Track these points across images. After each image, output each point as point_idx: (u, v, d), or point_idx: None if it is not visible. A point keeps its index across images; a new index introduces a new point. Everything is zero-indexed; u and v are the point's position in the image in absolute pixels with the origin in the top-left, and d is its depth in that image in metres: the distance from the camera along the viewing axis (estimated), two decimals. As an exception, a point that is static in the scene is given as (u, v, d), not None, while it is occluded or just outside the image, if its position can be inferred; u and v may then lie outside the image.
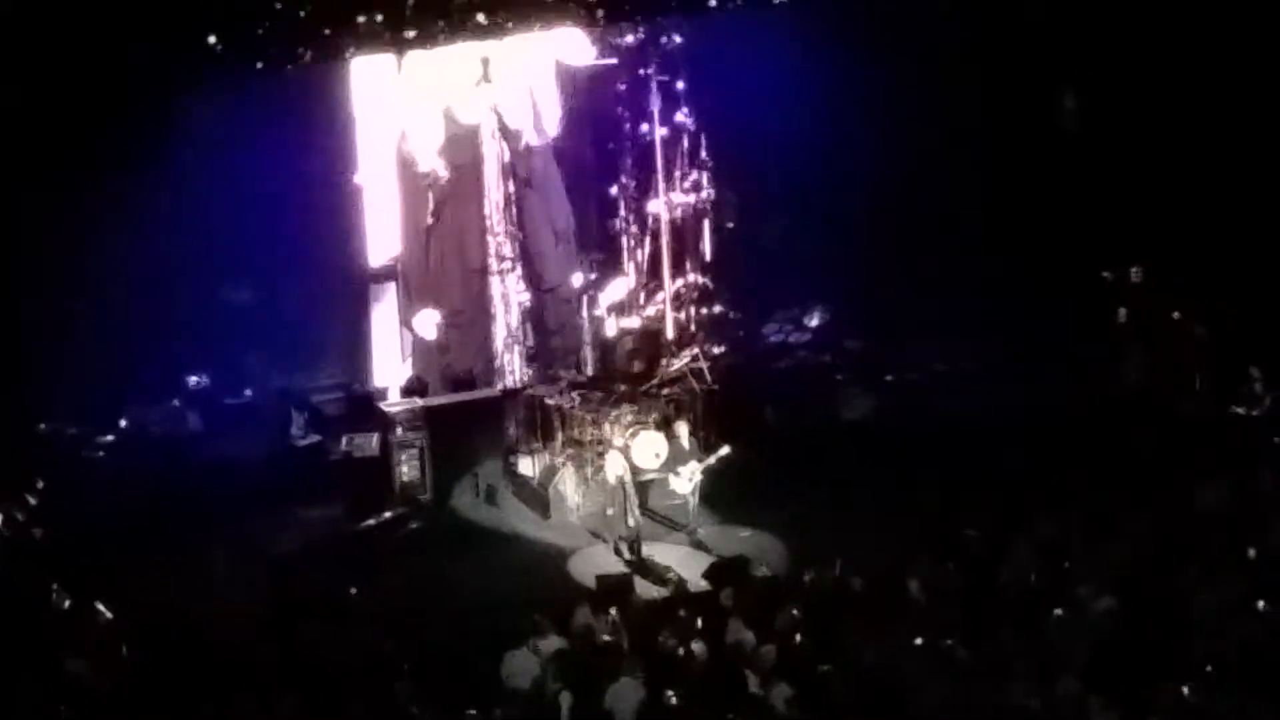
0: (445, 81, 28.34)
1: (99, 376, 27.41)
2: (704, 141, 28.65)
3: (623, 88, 28.61)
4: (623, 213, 28.84)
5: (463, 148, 28.95)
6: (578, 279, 29.28)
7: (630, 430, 25.86)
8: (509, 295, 29.14)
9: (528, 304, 29.37)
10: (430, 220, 29.16)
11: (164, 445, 28.00)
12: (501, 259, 28.96)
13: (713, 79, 28.64)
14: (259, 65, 25.66)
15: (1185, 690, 16.32)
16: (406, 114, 28.79)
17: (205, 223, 27.31)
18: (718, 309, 29.49)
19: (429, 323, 29.54)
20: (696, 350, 27.84)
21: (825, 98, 28.98)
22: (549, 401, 27.19)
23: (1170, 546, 20.09)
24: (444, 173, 28.92)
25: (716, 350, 28.52)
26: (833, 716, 17.06)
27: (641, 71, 28.37)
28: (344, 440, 27.81)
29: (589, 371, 28.25)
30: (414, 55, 27.47)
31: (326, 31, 25.83)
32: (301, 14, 25.43)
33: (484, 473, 27.49)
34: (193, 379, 28.88)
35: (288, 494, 26.47)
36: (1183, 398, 26.82)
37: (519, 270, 29.17)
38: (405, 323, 29.65)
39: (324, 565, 24.10)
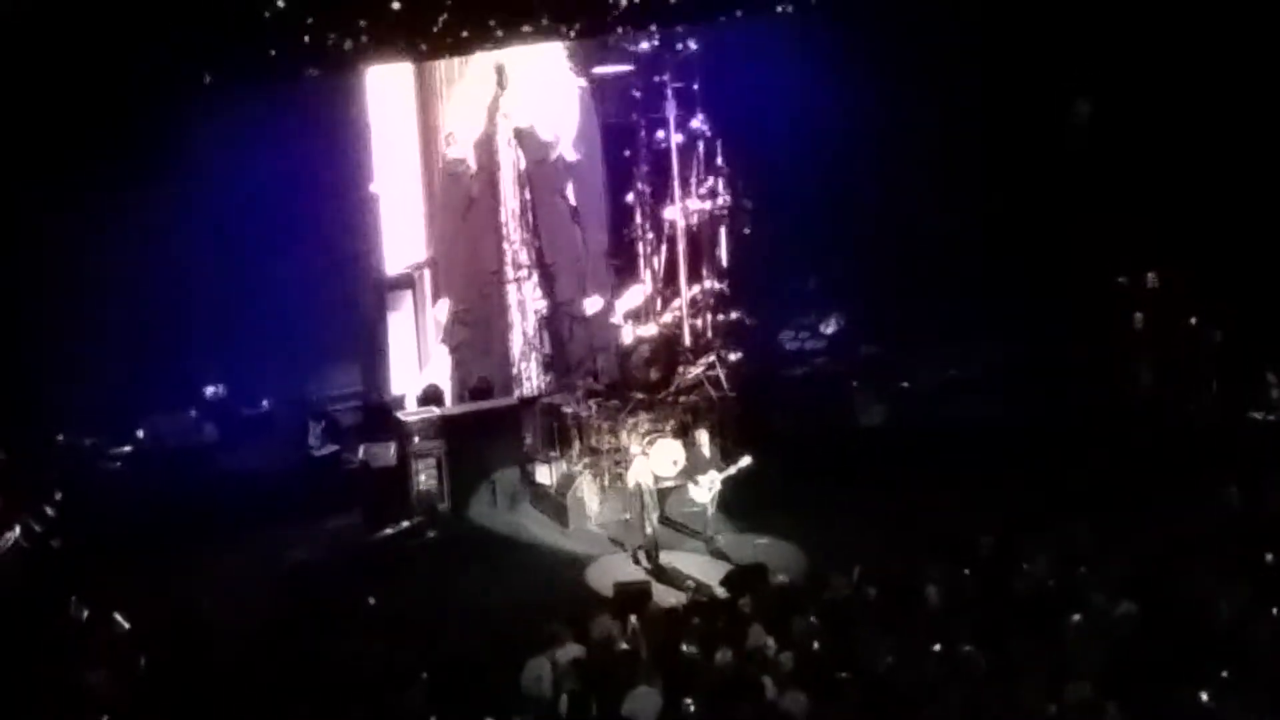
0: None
1: (116, 388, 27.41)
2: (720, 148, 28.67)
3: (639, 95, 28.63)
4: (639, 220, 28.84)
5: (490, 149, 29.16)
6: (598, 302, 29.37)
7: (647, 438, 25.89)
8: (525, 303, 29.19)
9: (545, 312, 29.41)
10: (464, 215, 29.34)
11: (181, 456, 27.96)
12: (518, 266, 29.01)
13: (729, 86, 28.65)
14: (275, 75, 25.71)
15: (1202, 696, 16.32)
16: (456, 107, 29.14)
17: (222, 233, 27.31)
18: (734, 316, 29.48)
19: (443, 310, 29.67)
20: (713, 357, 27.85)
21: (840, 105, 28.97)
22: (566, 410, 27.19)
23: (1186, 551, 20.10)
24: (473, 167, 29.12)
25: (733, 357, 28.52)
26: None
27: (657, 79, 28.39)
28: (361, 450, 27.85)
29: (606, 379, 28.23)
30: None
31: (342, 41, 25.87)
32: (317, 24, 25.47)
33: (501, 481, 27.49)
34: (209, 389, 28.87)
35: (305, 504, 26.44)
36: (1198, 403, 26.83)
37: (535, 278, 29.24)
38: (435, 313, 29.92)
39: (342, 574, 24.13)
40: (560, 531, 26.22)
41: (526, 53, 28.45)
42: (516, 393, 29.20)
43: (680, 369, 27.68)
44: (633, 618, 20.06)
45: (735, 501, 25.58)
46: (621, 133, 29.14)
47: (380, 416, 28.81)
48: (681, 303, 28.89)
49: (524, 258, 29.11)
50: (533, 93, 29.07)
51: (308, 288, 28.08)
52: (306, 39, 25.21)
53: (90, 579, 22.68)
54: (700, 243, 29.04)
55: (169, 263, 27.12)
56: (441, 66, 28.93)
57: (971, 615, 18.91)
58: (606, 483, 26.32)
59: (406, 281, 29.92)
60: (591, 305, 29.63)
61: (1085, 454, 25.53)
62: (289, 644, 20.71)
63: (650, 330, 28.44)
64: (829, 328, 31.69)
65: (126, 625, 21.11)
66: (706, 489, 25.18)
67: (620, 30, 27.98)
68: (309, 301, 28.10)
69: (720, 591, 22.67)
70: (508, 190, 29.07)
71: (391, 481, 27.01)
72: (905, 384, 29.87)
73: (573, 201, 29.74)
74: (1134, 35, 28.30)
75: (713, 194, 28.88)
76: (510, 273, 29.14)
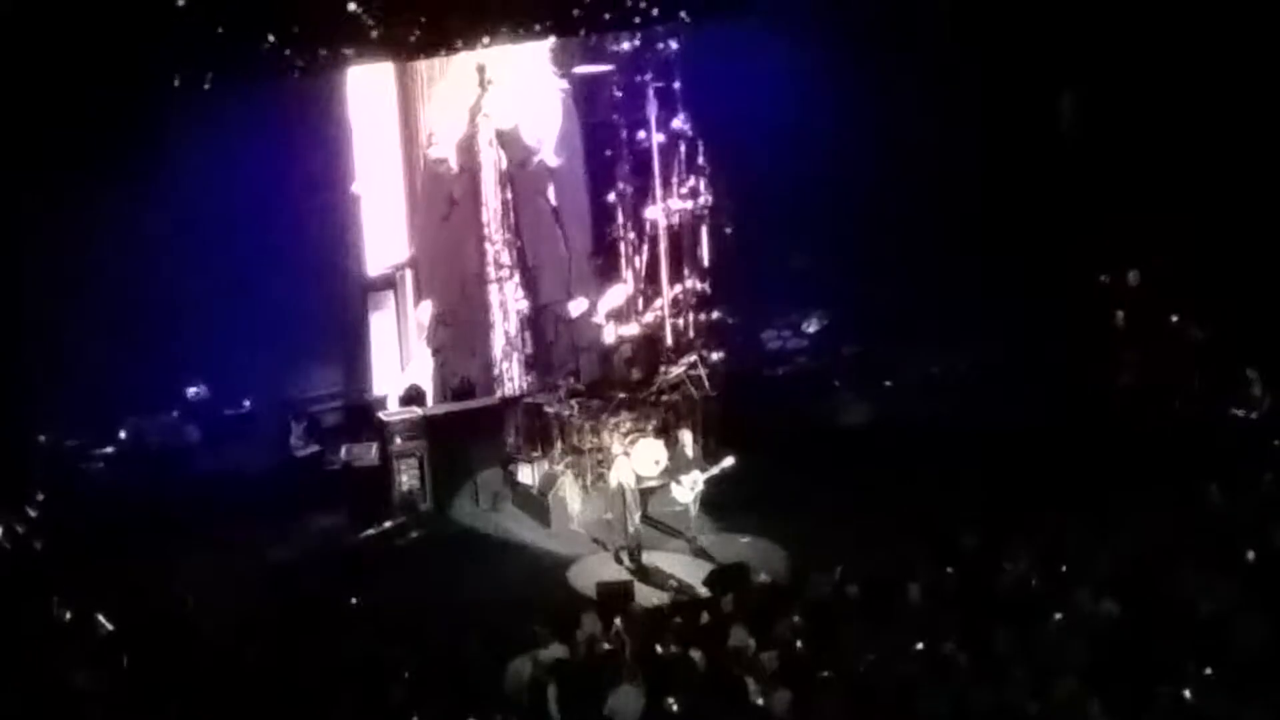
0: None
1: (98, 388, 27.35)
2: (701, 147, 28.69)
3: (620, 94, 28.64)
4: (621, 219, 28.85)
5: (472, 149, 29.13)
6: (582, 304, 29.35)
7: (629, 438, 25.89)
8: (507, 303, 29.16)
9: (526, 312, 29.39)
10: (445, 215, 29.32)
11: (163, 456, 27.88)
12: (500, 267, 28.99)
13: (710, 85, 28.65)
14: (255, 75, 25.65)
15: (1185, 693, 16.35)
16: (437, 107, 29.10)
17: (203, 233, 27.22)
18: (716, 315, 29.52)
19: (426, 311, 29.63)
20: (695, 357, 27.85)
21: (823, 103, 28.95)
22: (548, 410, 27.19)
23: (1169, 549, 20.11)
24: (455, 168, 29.08)
25: (715, 356, 28.53)
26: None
27: (639, 78, 28.41)
28: (343, 450, 27.82)
29: (588, 379, 28.23)
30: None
31: (323, 41, 25.83)
32: (298, 24, 25.43)
33: (484, 481, 27.48)
34: (191, 390, 28.78)
35: (287, 504, 26.41)
36: (1180, 400, 26.86)
37: (517, 279, 29.21)
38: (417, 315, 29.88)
39: (324, 575, 24.11)
40: (542, 531, 26.20)
41: (508, 53, 28.41)
42: (498, 393, 29.16)
43: (662, 368, 27.70)
44: (615, 618, 20.07)
45: (717, 501, 25.58)
46: (603, 132, 29.16)
47: (362, 416, 28.78)
48: (663, 302, 28.92)
49: (506, 258, 29.07)
50: (515, 94, 29.02)
51: (289, 288, 27.99)
52: (286, 39, 25.17)
53: (72, 580, 22.65)
54: (682, 242, 29.09)
55: (150, 262, 27.03)
56: (423, 66, 28.86)
57: (954, 614, 18.93)
58: (589, 482, 26.32)
59: (388, 282, 29.85)
60: (576, 307, 29.61)
61: (1067, 452, 25.54)
62: (272, 644, 20.66)
63: (632, 330, 28.46)
64: (811, 326, 31.66)
65: (109, 626, 21.08)
66: (689, 488, 25.19)
67: (588, 31, 28.03)
68: (291, 302, 28.02)
69: (702, 591, 22.69)
70: (489, 191, 29.02)
71: (373, 482, 26.98)
72: (887, 383, 29.92)
73: (554, 202, 29.71)
74: (1118, 34, 28.31)
75: (694, 193, 28.93)
76: (492, 273, 29.11)
